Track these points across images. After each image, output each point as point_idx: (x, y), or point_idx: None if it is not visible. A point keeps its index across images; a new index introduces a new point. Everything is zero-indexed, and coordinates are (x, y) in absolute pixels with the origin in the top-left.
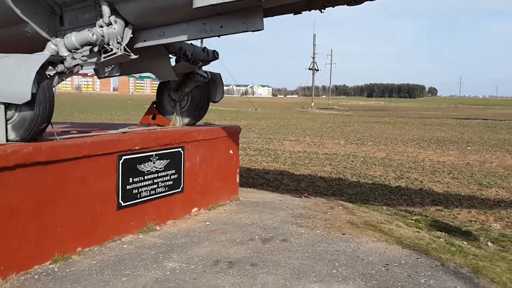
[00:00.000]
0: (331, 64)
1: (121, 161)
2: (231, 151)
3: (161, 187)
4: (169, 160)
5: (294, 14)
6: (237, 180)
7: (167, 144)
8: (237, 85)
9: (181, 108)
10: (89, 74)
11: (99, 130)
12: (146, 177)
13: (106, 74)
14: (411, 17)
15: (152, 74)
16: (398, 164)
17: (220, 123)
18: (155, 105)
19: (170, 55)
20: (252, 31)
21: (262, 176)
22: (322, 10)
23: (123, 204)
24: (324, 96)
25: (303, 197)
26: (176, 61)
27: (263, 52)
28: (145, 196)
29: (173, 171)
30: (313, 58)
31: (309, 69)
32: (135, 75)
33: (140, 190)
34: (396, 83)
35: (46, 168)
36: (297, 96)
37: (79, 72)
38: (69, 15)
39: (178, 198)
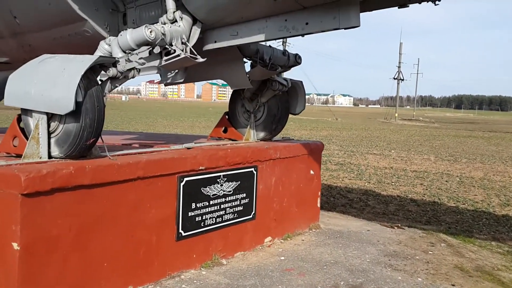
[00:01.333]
0: (417, 73)
1: (182, 184)
2: (312, 172)
3: (229, 213)
4: (239, 182)
5: (399, 8)
6: (318, 205)
7: (237, 163)
8: (317, 94)
9: (256, 121)
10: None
11: (163, 145)
12: (211, 202)
13: (168, 80)
14: (505, 26)
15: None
16: (500, 186)
17: (299, 133)
18: (227, 116)
19: (245, 59)
20: (345, 29)
21: (344, 195)
22: (437, 2)
23: (183, 233)
24: (408, 106)
25: (396, 227)
26: (252, 66)
27: (345, 60)
28: (210, 224)
29: (244, 195)
30: (399, 67)
31: (394, 78)
32: (217, 82)
33: (204, 217)
34: (487, 94)
35: (91, 192)
36: (379, 106)
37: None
38: (133, 13)
39: (249, 226)
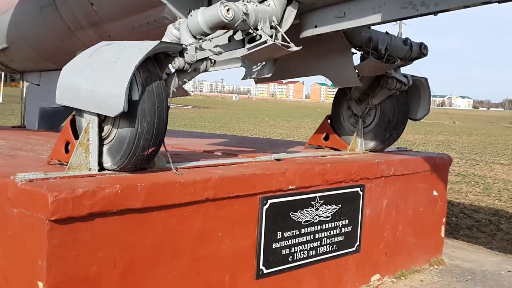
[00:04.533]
0: None
1: (265, 207)
2: (435, 192)
3: (326, 245)
4: (340, 205)
5: None
6: (442, 235)
7: (338, 182)
8: (433, 96)
9: (365, 127)
10: (284, 82)
11: (250, 154)
12: (303, 231)
13: (254, 75)
14: None
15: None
16: None
17: (413, 137)
18: (329, 121)
19: (353, 50)
20: (499, 3)
21: (469, 215)
22: None
23: (265, 270)
24: None
25: None
26: (362, 58)
27: (464, 59)
28: (301, 259)
29: (346, 222)
30: None
31: None
32: (326, 82)
33: (293, 250)
34: None
35: (144, 217)
36: (502, 109)
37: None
38: None
39: (351, 261)
